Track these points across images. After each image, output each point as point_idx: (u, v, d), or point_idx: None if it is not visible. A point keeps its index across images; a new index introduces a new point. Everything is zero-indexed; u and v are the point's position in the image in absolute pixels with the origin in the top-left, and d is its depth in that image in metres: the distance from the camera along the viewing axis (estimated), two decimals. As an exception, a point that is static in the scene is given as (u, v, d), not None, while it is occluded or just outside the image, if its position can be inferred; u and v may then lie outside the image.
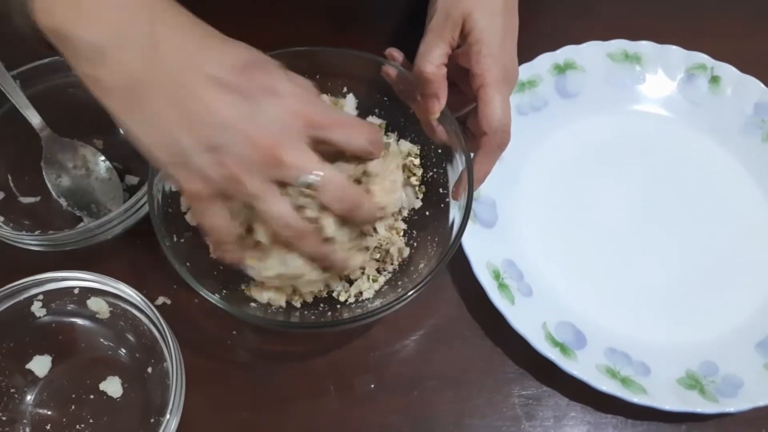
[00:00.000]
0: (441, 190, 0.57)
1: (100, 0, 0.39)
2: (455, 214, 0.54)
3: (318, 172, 0.41)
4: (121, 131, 0.42)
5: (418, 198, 0.58)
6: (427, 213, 0.58)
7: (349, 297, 0.54)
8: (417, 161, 0.59)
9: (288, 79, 0.42)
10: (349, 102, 0.60)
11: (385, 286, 0.55)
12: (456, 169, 0.55)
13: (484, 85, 0.50)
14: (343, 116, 0.46)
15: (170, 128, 0.39)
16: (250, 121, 0.39)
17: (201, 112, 0.39)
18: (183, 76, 0.39)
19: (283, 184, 0.41)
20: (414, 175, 0.59)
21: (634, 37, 0.69)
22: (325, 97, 0.58)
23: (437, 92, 0.51)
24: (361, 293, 0.54)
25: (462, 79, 0.53)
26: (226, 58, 0.40)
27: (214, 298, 0.48)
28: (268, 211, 0.41)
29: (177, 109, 0.39)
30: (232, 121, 0.39)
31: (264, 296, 0.51)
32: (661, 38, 0.69)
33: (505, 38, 0.51)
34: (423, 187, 0.59)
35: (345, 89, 0.59)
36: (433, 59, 0.51)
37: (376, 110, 0.60)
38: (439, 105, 0.51)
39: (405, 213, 0.58)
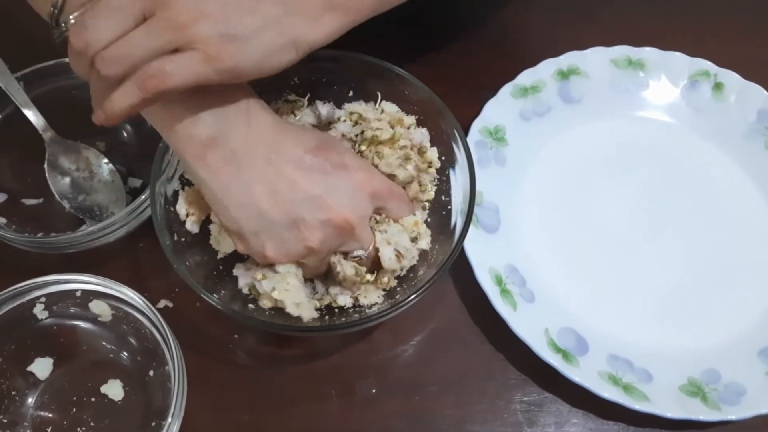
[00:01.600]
0: (443, 198, 0.57)
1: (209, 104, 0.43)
2: (457, 219, 0.54)
3: (369, 248, 0.49)
4: (211, 213, 0.50)
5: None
6: (429, 219, 0.57)
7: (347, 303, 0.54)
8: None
9: (353, 154, 0.49)
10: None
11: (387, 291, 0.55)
12: (458, 172, 0.55)
13: None
14: (396, 188, 0.51)
15: (258, 200, 0.44)
16: (329, 197, 0.45)
17: (286, 188, 0.44)
18: (270, 158, 0.44)
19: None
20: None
21: (637, 43, 0.69)
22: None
23: None
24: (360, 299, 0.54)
25: None
26: (304, 141, 0.46)
27: (214, 301, 0.48)
28: (321, 270, 0.50)
29: (265, 184, 0.44)
30: (314, 195, 0.44)
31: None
32: (664, 45, 0.69)
33: None
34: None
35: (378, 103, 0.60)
36: None
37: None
38: None
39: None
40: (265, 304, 0.50)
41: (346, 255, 0.50)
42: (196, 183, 0.47)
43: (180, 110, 0.43)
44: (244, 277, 0.52)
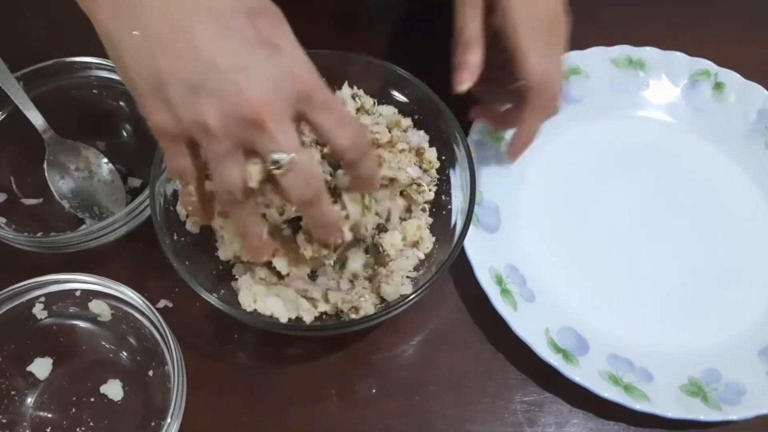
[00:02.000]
0: (443, 197, 0.57)
1: None
2: (457, 219, 0.54)
3: (292, 153, 0.37)
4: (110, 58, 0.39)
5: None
6: (430, 218, 0.57)
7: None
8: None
9: (293, 38, 0.38)
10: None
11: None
12: (458, 172, 0.55)
13: (518, 38, 0.46)
14: (337, 102, 0.40)
15: (155, 54, 0.35)
16: (242, 72, 0.35)
17: (192, 47, 0.35)
18: (185, 4, 0.36)
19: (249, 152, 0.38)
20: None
21: (638, 42, 0.69)
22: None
23: (468, 59, 0.47)
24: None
25: (500, 67, 0.50)
26: None
27: (213, 299, 0.48)
28: (221, 174, 0.38)
29: (168, 37, 0.35)
30: (224, 66, 0.35)
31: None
32: (665, 44, 0.69)
33: None
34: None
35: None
36: (469, 31, 0.48)
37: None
38: (467, 77, 0.48)
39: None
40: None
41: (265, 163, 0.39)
42: (98, 33, 0.38)
43: None
44: (244, 293, 0.51)
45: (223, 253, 0.53)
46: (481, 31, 0.48)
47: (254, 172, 0.38)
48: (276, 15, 0.38)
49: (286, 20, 0.38)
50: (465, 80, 0.48)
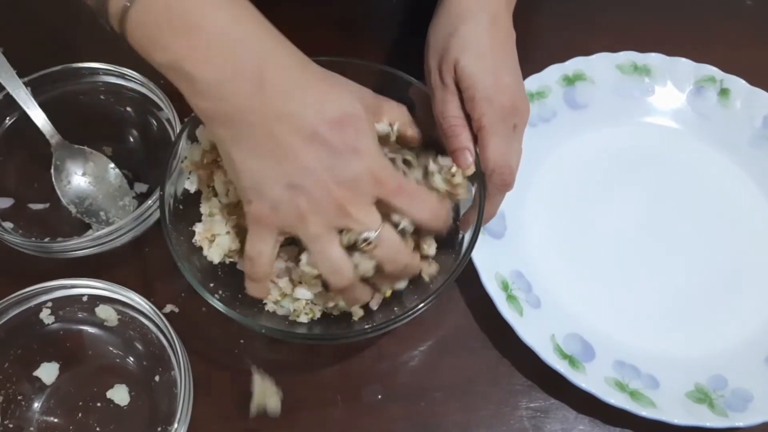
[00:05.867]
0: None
1: (215, 36, 0.41)
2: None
3: (377, 230, 0.45)
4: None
5: None
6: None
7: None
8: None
9: (372, 138, 0.45)
10: None
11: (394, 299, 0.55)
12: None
13: (481, 129, 0.50)
14: (410, 185, 0.47)
15: (261, 159, 0.43)
16: (331, 173, 0.43)
17: (290, 154, 0.42)
18: (281, 120, 0.42)
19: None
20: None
21: (643, 49, 0.69)
22: None
23: (465, 144, 0.51)
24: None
25: None
26: (324, 109, 0.43)
27: (219, 305, 0.48)
28: (322, 253, 0.45)
29: (270, 146, 0.42)
30: (316, 169, 0.42)
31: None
32: (670, 50, 0.69)
33: (499, 76, 0.50)
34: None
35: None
36: (450, 113, 0.51)
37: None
38: (470, 157, 0.51)
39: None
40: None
41: (355, 245, 0.46)
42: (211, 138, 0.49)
43: (183, 66, 0.41)
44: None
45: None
46: (461, 110, 0.51)
47: (365, 265, 0.46)
48: (356, 119, 0.44)
49: (366, 120, 0.45)
50: (470, 162, 0.51)
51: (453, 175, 0.50)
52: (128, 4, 0.40)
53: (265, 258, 0.46)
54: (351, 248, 0.45)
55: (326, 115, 0.43)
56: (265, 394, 0.50)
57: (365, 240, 0.44)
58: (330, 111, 0.43)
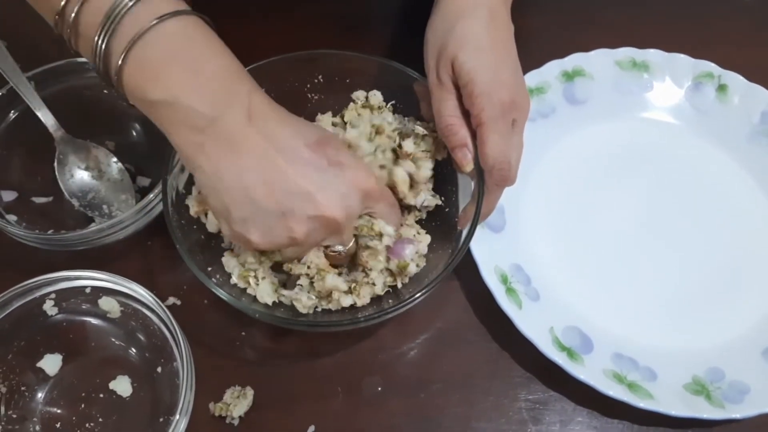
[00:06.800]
0: (452, 198, 0.57)
1: (207, 72, 0.43)
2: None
3: (348, 245, 0.51)
4: (195, 185, 0.50)
5: (435, 196, 0.57)
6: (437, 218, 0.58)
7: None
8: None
9: (350, 152, 0.49)
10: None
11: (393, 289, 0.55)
12: (465, 176, 0.55)
13: (480, 125, 0.50)
14: (388, 193, 0.52)
15: (249, 188, 0.44)
16: (320, 192, 0.45)
17: (279, 180, 0.44)
18: (266, 149, 0.44)
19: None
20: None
21: (642, 45, 0.69)
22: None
23: (463, 142, 0.51)
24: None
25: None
26: (305, 134, 0.46)
27: (222, 293, 0.48)
28: (300, 257, 0.51)
29: (258, 173, 0.44)
30: (308, 189, 0.44)
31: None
32: (668, 46, 0.69)
33: (498, 71, 0.50)
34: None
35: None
36: (447, 112, 0.51)
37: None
38: (469, 154, 0.51)
39: (424, 214, 0.58)
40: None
41: (327, 248, 0.51)
42: (192, 170, 0.46)
43: (182, 101, 0.43)
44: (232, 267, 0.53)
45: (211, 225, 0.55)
46: (458, 108, 0.52)
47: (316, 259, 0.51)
48: (335, 140, 0.48)
49: (341, 140, 0.51)
50: (468, 159, 0.52)
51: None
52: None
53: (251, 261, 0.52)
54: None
55: (307, 138, 0.46)
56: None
57: (334, 250, 0.50)
58: (308, 135, 0.46)
